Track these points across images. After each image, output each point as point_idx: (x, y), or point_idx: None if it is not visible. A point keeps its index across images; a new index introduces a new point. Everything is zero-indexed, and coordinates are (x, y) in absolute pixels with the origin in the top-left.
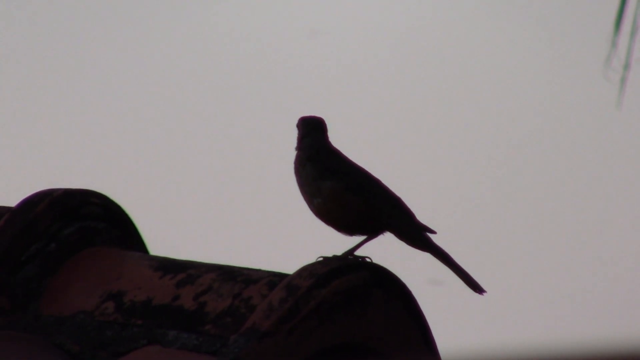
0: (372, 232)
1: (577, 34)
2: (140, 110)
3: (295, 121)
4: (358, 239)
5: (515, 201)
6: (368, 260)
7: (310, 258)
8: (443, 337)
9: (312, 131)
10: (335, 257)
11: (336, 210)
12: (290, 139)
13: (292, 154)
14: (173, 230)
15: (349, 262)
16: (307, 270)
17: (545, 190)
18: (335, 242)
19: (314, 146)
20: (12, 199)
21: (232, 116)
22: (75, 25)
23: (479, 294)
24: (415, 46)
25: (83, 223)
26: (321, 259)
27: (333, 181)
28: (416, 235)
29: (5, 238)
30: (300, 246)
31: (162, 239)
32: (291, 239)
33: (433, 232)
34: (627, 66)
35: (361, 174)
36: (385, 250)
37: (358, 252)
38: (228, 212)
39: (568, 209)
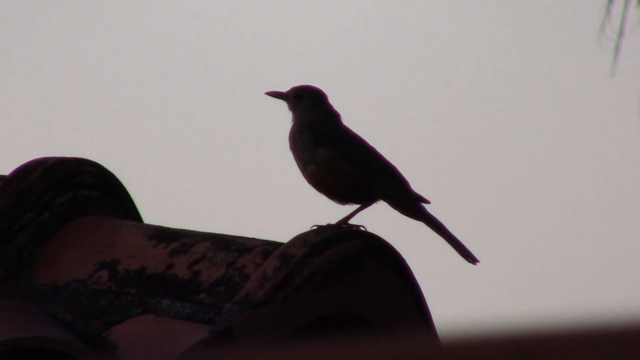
0: (365, 201)
1: (572, 3)
2: (135, 80)
3: (288, 89)
4: (352, 207)
5: (510, 171)
6: (362, 229)
7: (305, 227)
8: (437, 306)
9: (311, 100)
10: (329, 226)
11: (329, 178)
12: (285, 108)
13: (286, 122)
14: (167, 199)
15: (343, 231)
16: (301, 239)
17: (540, 160)
18: (329, 211)
19: (312, 115)
20: (5, 168)
21: (226, 86)
22: None
23: (472, 263)
24: (408, 11)
25: (77, 192)
26: (315, 227)
27: (327, 148)
28: (410, 204)
29: None
30: (294, 215)
31: (156, 207)
32: (285, 207)
33: (427, 201)
34: (621, 34)
35: (356, 142)
36: (380, 219)
37: (352, 221)
38: (223, 181)
39: (563, 178)
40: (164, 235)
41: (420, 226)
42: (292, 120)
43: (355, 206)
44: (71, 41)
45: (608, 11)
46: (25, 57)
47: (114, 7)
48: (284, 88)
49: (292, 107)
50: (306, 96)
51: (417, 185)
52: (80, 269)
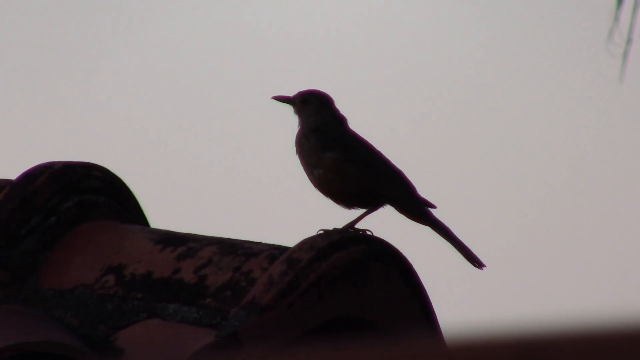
0: (371, 205)
1: (580, 8)
2: (142, 84)
3: (294, 94)
4: (358, 212)
5: (517, 177)
6: (368, 233)
7: (311, 231)
8: (443, 310)
9: (318, 105)
10: (335, 230)
11: (336, 182)
12: (291, 112)
13: (293, 127)
14: (173, 203)
15: (349, 235)
16: (308, 244)
17: (547, 165)
18: (335, 216)
19: (320, 119)
20: (12, 172)
21: (232, 90)
22: None
23: (479, 268)
24: (417, 16)
25: (83, 196)
26: (322, 232)
27: (334, 152)
28: (416, 208)
29: (5, 211)
30: (301, 219)
31: (163, 212)
32: (292, 212)
33: (433, 206)
34: (629, 40)
35: (363, 146)
36: (386, 224)
37: (358, 225)
38: (229, 185)
39: (570, 183)
40: (170, 239)
41: (426, 230)
42: (299, 124)
43: (362, 210)
44: (77, 44)
45: (616, 17)
46: (31, 60)
47: (122, 12)
48: (291, 92)
49: (299, 112)
50: (312, 101)
51: (423, 189)
52: (87, 274)
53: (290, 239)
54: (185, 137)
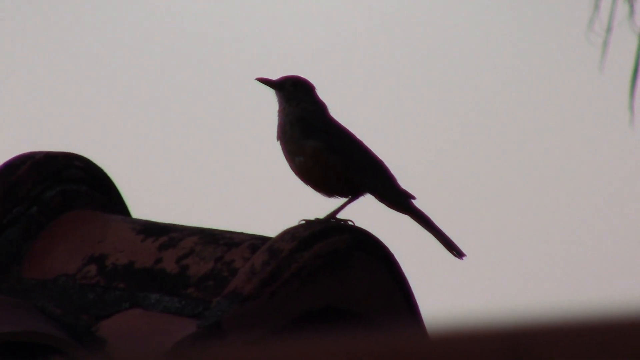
0: (352, 194)
1: None
2: (122, 74)
3: (278, 78)
4: (339, 201)
5: (497, 165)
6: (350, 223)
7: (293, 221)
8: (425, 299)
9: (301, 91)
10: (317, 220)
11: (316, 169)
12: (271, 97)
13: (273, 113)
14: (155, 193)
15: (331, 225)
16: (290, 234)
17: (528, 154)
18: (317, 206)
19: (302, 106)
20: None
21: (214, 79)
22: None
23: (459, 257)
24: (398, 7)
25: (65, 186)
26: (303, 222)
27: (316, 140)
28: (396, 197)
29: None
30: (282, 209)
31: (144, 202)
32: (274, 202)
33: (413, 197)
34: (609, 29)
35: (344, 135)
36: (367, 213)
37: (340, 215)
38: (211, 175)
39: (550, 172)
40: (152, 229)
41: (406, 220)
42: (279, 109)
43: (342, 200)
44: (57, 35)
45: (597, 6)
46: (12, 52)
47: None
48: (271, 77)
49: (281, 97)
50: (296, 87)
51: (404, 179)
52: (69, 263)
53: (272, 229)
54: (166, 127)
